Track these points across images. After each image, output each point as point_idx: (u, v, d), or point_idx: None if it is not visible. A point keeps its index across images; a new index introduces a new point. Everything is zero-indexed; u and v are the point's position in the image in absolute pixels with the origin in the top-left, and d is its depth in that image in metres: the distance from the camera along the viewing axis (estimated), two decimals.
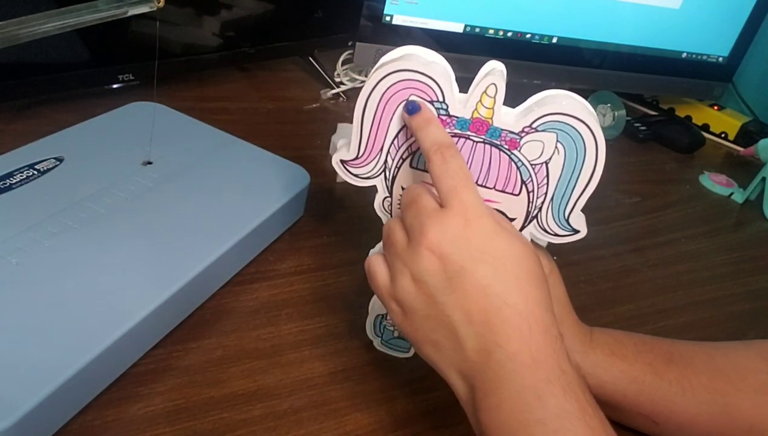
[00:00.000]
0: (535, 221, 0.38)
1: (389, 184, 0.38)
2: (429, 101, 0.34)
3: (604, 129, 0.34)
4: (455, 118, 0.35)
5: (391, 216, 0.39)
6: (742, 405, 0.39)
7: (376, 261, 0.36)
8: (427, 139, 0.34)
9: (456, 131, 0.35)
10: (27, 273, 0.39)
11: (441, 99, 0.34)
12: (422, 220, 0.33)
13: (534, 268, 0.33)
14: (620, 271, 0.62)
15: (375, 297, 0.45)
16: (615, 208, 0.72)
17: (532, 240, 0.39)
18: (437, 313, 0.33)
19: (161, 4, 0.44)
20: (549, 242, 0.40)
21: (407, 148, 0.36)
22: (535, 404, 0.30)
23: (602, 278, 0.60)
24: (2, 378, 0.33)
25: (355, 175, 0.38)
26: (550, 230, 0.38)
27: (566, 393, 0.30)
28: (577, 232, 0.38)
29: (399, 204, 0.37)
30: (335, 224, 0.58)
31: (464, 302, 0.32)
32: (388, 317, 0.44)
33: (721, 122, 0.97)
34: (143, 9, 0.44)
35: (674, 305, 0.58)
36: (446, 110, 0.34)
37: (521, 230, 0.38)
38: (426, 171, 0.37)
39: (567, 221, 0.38)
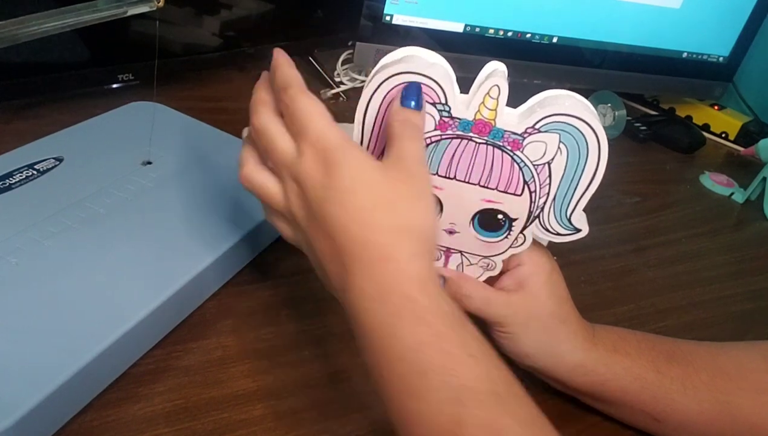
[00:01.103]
0: (537, 220, 0.38)
1: None
2: (431, 103, 0.34)
3: (604, 129, 0.34)
4: (458, 120, 0.35)
5: None
6: (743, 404, 0.39)
7: (266, 178, 0.36)
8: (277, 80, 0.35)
9: (459, 133, 0.35)
10: (27, 273, 0.39)
11: (443, 101, 0.34)
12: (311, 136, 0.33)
13: (385, 193, 0.32)
14: (620, 271, 0.61)
15: None
16: (615, 208, 0.72)
17: (533, 240, 0.39)
18: (309, 248, 0.34)
19: (161, 3, 0.44)
20: (550, 241, 0.40)
21: None
22: (392, 341, 0.29)
23: (602, 278, 0.60)
24: (2, 378, 0.33)
25: None
26: (552, 229, 0.38)
27: (417, 324, 0.29)
28: (578, 231, 0.38)
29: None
30: None
31: (321, 243, 0.33)
32: None
33: (722, 122, 0.97)
34: (143, 9, 0.44)
35: (674, 305, 0.58)
36: (449, 112, 0.34)
37: (523, 229, 0.38)
38: (429, 172, 0.37)
39: (569, 220, 0.38)
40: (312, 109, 0.34)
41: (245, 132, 0.39)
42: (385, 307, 0.30)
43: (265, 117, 0.36)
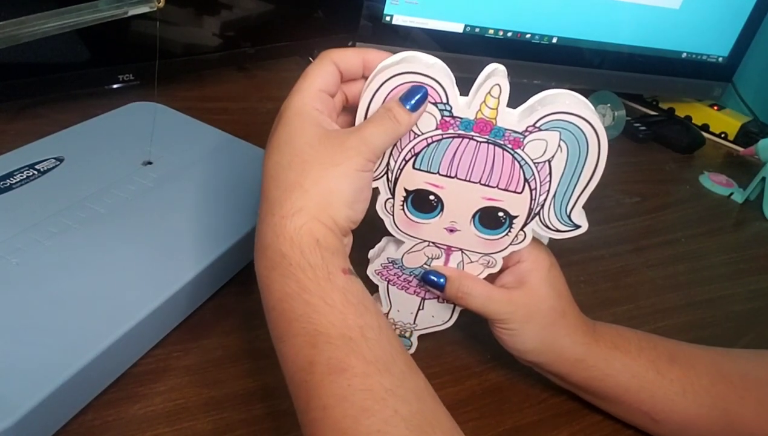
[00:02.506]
0: (537, 217, 0.38)
1: (392, 186, 0.38)
2: (432, 103, 0.34)
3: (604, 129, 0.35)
4: (459, 119, 0.35)
5: (393, 218, 0.39)
6: (744, 414, 0.39)
7: None
8: None
9: (460, 132, 0.35)
10: (27, 273, 0.39)
11: (445, 100, 0.34)
12: None
13: (306, 155, 0.33)
14: (620, 271, 0.62)
15: (375, 296, 0.45)
16: (615, 208, 0.72)
17: (533, 237, 0.39)
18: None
19: (161, 4, 0.44)
20: (550, 239, 0.40)
21: (410, 150, 0.36)
22: (265, 293, 0.32)
23: (602, 278, 0.60)
24: (2, 378, 0.33)
25: None
26: (552, 225, 0.38)
27: (285, 277, 0.31)
28: (578, 227, 0.38)
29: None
30: None
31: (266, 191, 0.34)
32: (389, 316, 0.44)
33: (721, 122, 0.97)
34: (143, 9, 0.44)
35: (674, 304, 0.58)
36: (450, 111, 0.34)
37: (523, 226, 0.38)
38: (430, 172, 0.37)
39: (569, 217, 0.38)
40: (309, 70, 0.35)
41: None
42: (263, 260, 0.32)
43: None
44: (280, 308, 0.31)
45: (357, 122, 0.36)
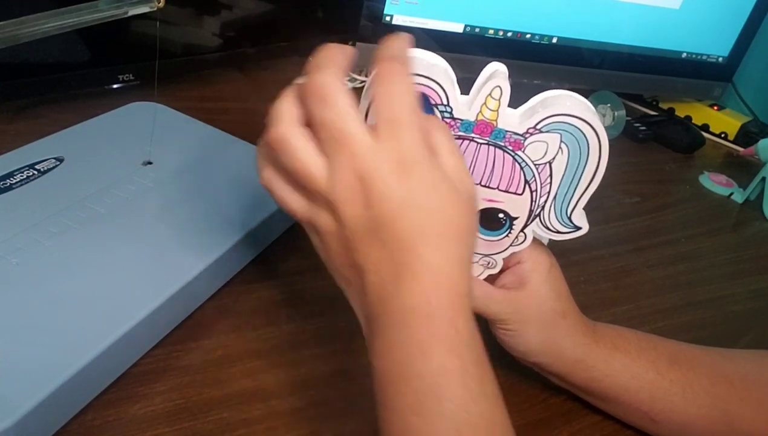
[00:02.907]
0: (538, 219, 0.38)
1: None
2: (433, 105, 0.34)
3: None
4: (459, 121, 0.35)
5: None
6: (743, 414, 0.39)
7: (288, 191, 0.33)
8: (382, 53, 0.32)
9: (460, 133, 0.35)
10: (27, 273, 0.39)
11: (445, 102, 0.34)
12: (350, 151, 0.30)
13: (464, 225, 0.31)
14: (620, 271, 0.62)
15: None
16: (615, 209, 0.72)
17: (533, 238, 0.39)
18: (350, 255, 0.31)
19: (161, 4, 0.44)
20: (550, 240, 0.40)
21: None
22: (418, 358, 0.29)
23: (602, 278, 0.60)
24: (2, 378, 0.33)
25: None
26: (553, 227, 0.38)
27: (451, 351, 0.29)
28: (579, 228, 0.38)
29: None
30: None
31: (379, 252, 0.30)
32: None
33: (721, 122, 0.97)
34: (143, 9, 0.44)
35: (674, 305, 0.58)
36: (450, 113, 0.34)
37: (524, 228, 0.38)
38: None
39: (569, 218, 0.38)
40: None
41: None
42: (425, 325, 0.30)
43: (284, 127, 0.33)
44: (433, 381, 0.29)
45: None
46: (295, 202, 0.33)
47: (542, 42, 0.78)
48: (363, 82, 0.83)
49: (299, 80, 0.33)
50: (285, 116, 0.33)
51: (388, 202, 0.30)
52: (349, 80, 0.83)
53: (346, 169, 0.30)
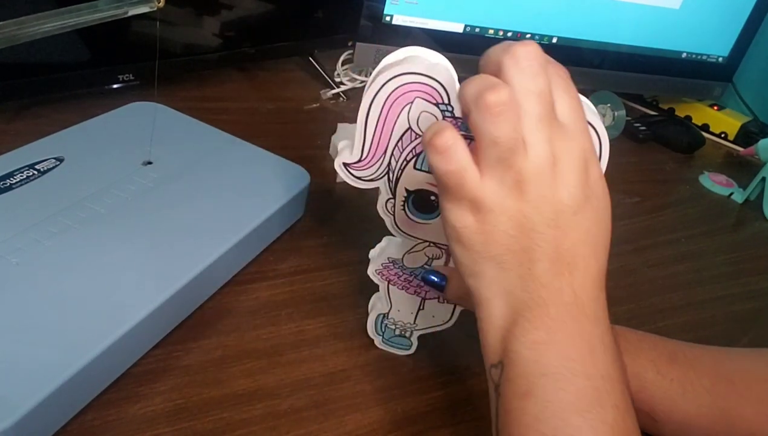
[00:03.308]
0: None
1: (392, 186, 0.38)
2: (434, 104, 0.34)
3: None
4: (460, 120, 0.35)
5: (394, 218, 0.39)
6: (744, 412, 0.39)
7: (463, 150, 0.30)
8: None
9: (461, 133, 0.35)
10: (27, 273, 0.39)
11: (446, 101, 0.34)
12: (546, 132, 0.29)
13: (607, 243, 0.32)
14: (620, 271, 0.61)
15: (375, 297, 0.45)
16: (615, 208, 0.71)
17: None
18: (525, 239, 0.29)
19: (161, 4, 0.44)
20: None
21: (411, 151, 0.36)
22: (587, 358, 0.29)
23: None
24: (2, 378, 0.33)
25: (358, 178, 0.38)
26: None
27: (615, 360, 0.29)
28: None
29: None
30: (335, 224, 0.58)
31: (560, 240, 0.29)
32: (389, 316, 0.44)
33: (721, 122, 0.97)
34: (143, 9, 0.44)
35: (674, 305, 0.58)
36: (452, 112, 0.34)
37: None
38: (430, 172, 0.37)
39: None
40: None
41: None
42: (595, 326, 0.30)
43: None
44: (599, 384, 0.29)
45: (359, 123, 0.35)
46: (471, 173, 0.30)
47: (542, 42, 0.78)
48: (363, 82, 0.83)
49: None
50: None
51: (580, 188, 0.30)
52: (349, 80, 0.83)
53: (548, 152, 0.29)
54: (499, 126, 0.28)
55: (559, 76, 0.31)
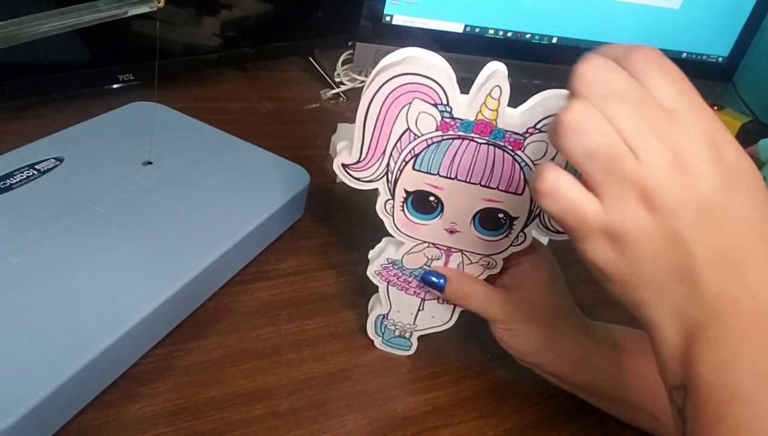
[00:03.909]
0: (537, 219, 0.38)
1: (392, 186, 0.38)
2: (433, 104, 0.34)
3: None
4: (459, 121, 0.35)
5: (393, 219, 0.39)
6: None
7: (570, 182, 0.27)
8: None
9: (460, 133, 0.35)
10: (27, 273, 0.39)
11: (445, 102, 0.34)
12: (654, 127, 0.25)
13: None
14: None
15: (375, 297, 0.45)
16: None
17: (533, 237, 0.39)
18: (676, 252, 0.26)
19: (161, 4, 0.44)
20: (550, 240, 0.40)
21: (410, 151, 0.36)
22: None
23: None
24: (2, 378, 0.33)
25: (357, 179, 0.38)
26: (552, 227, 0.38)
27: None
28: None
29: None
30: (335, 224, 0.58)
31: (717, 238, 0.25)
32: (389, 317, 0.44)
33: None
34: (143, 9, 0.44)
35: None
36: (450, 113, 0.34)
37: (523, 228, 0.38)
38: (430, 173, 0.37)
39: None
40: None
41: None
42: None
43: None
44: None
45: (357, 124, 0.36)
46: (588, 204, 0.27)
47: (542, 42, 0.78)
48: (363, 82, 0.83)
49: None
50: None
51: (717, 173, 0.25)
52: (349, 80, 0.83)
53: (663, 149, 0.25)
54: (581, 137, 0.25)
55: (649, 61, 0.26)
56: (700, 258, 0.25)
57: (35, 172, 0.48)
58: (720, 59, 0.89)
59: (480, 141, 0.35)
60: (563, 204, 0.27)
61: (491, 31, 0.76)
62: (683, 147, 0.25)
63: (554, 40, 0.79)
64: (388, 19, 0.71)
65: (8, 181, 0.46)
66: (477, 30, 0.75)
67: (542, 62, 0.80)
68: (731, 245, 0.26)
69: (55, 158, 0.49)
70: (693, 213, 0.25)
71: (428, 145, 0.36)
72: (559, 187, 0.27)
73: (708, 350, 0.26)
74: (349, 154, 0.37)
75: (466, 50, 0.75)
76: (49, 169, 0.48)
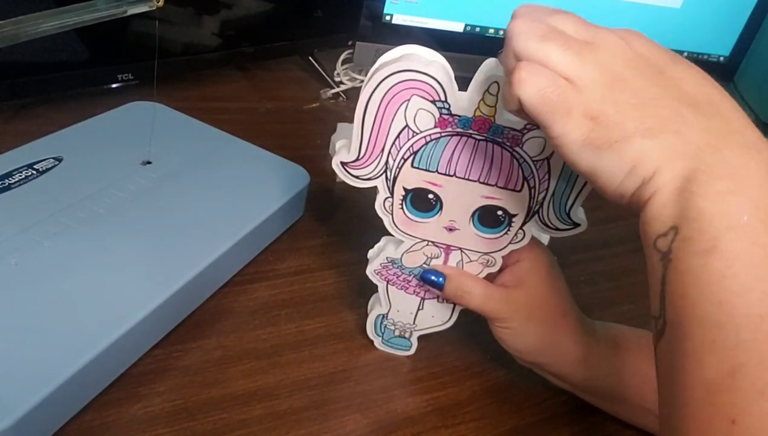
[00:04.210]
0: (536, 216, 0.38)
1: (390, 184, 0.38)
2: (431, 101, 0.34)
3: None
4: (457, 117, 0.35)
5: (393, 217, 0.39)
6: None
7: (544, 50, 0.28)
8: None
9: (458, 130, 0.35)
10: (26, 273, 0.39)
11: (443, 98, 0.34)
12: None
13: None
14: (620, 271, 0.61)
15: (374, 297, 0.45)
16: (615, 209, 0.71)
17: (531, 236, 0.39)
18: (652, 97, 0.27)
19: (160, 3, 0.44)
20: (550, 239, 0.40)
21: (408, 149, 0.36)
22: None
23: (602, 278, 0.60)
24: (2, 378, 0.33)
25: (356, 177, 0.38)
26: (552, 224, 0.38)
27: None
28: (577, 225, 0.38)
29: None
30: (335, 224, 0.58)
31: (685, 85, 0.28)
32: (388, 316, 0.44)
33: None
34: (142, 8, 0.44)
35: None
36: (448, 109, 0.34)
37: (523, 225, 0.38)
38: (429, 170, 0.37)
39: (568, 215, 0.38)
40: None
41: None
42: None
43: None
44: None
45: (356, 121, 0.35)
46: (566, 83, 0.28)
47: None
48: (362, 81, 0.83)
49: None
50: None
51: (659, 53, 0.29)
52: (349, 80, 0.83)
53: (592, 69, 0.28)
54: (530, 85, 0.27)
55: (555, 15, 0.30)
56: (675, 100, 0.27)
57: (34, 172, 0.48)
58: (721, 58, 0.89)
59: (478, 137, 0.35)
60: (544, 83, 0.28)
61: (491, 31, 0.76)
62: (606, 61, 0.28)
63: None
64: (388, 18, 0.71)
65: (7, 181, 0.46)
66: (477, 30, 0.75)
67: None
68: (701, 91, 0.28)
69: (54, 158, 0.49)
70: (649, 68, 0.28)
71: (427, 143, 0.36)
72: (537, 68, 0.28)
73: (708, 182, 0.25)
74: (348, 152, 0.37)
75: (466, 50, 0.75)
76: (48, 169, 0.48)
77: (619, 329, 0.42)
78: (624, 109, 0.27)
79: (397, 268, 0.41)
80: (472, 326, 0.44)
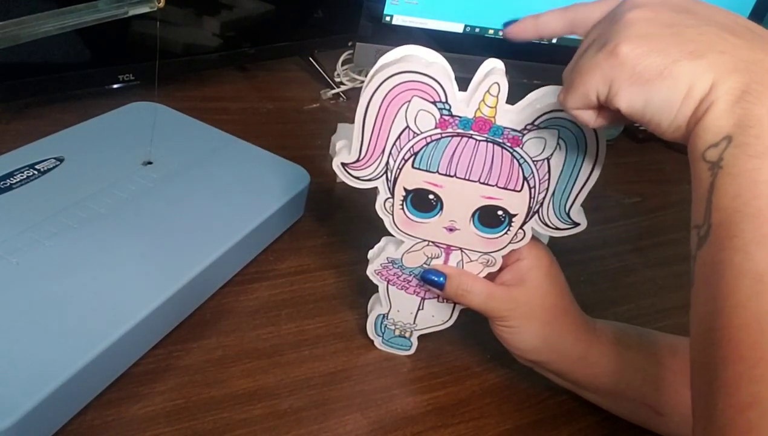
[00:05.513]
0: (536, 215, 0.38)
1: (391, 185, 0.38)
2: (431, 102, 0.34)
3: (603, 130, 0.35)
4: (458, 118, 0.35)
5: (393, 217, 0.39)
6: None
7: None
8: None
9: (459, 131, 0.35)
10: (27, 273, 0.39)
11: (444, 99, 0.34)
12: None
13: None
14: (620, 271, 0.61)
15: (375, 296, 0.45)
16: (615, 209, 0.72)
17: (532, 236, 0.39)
18: (689, 26, 0.28)
19: (161, 4, 0.44)
20: (549, 239, 0.40)
21: (409, 150, 0.36)
22: None
23: (602, 278, 0.60)
24: (2, 378, 0.33)
25: (356, 178, 0.38)
26: (552, 224, 0.38)
27: None
28: (577, 225, 0.38)
29: None
30: (335, 223, 0.58)
31: (718, 17, 0.28)
32: (388, 316, 0.44)
33: None
34: (143, 9, 0.44)
35: (674, 305, 0.58)
36: (449, 110, 0.34)
37: (523, 225, 0.38)
38: (429, 171, 0.37)
39: (568, 214, 0.38)
40: None
41: None
42: None
43: None
44: None
45: (357, 122, 0.36)
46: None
47: (542, 42, 0.78)
48: (363, 82, 0.83)
49: None
50: None
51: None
52: (349, 80, 0.83)
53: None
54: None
55: None
56: (715, 26, 0.28)
57: (35, 172, 0.48)
58: None
59: (479, 138, 0.35)
60: (591, 77, 0.31)
61: (491, 31, 0.76)
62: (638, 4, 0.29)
63: (554, 40, 0.79)
64: (388, 19, 0.71)
65: (8, 181, 0.46)
66: (477, 30, 0.75)
67: (542, 62, 0.80)
68: (734, 22, 0.28)
69: (55, 158, 0.49)
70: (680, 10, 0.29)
71: (427, 143, 0.36)
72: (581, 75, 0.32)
73: (765, 93, 0.25)
74: (349, 153, 0.37)
75: (466, 50, 0.75)
76: (49, 170, 0.48)
77: (619, 327, 0.43)
78: (665, 38, 0.27)
79: (398, 268, 0.41)
80: (472, 325, 0.45)
